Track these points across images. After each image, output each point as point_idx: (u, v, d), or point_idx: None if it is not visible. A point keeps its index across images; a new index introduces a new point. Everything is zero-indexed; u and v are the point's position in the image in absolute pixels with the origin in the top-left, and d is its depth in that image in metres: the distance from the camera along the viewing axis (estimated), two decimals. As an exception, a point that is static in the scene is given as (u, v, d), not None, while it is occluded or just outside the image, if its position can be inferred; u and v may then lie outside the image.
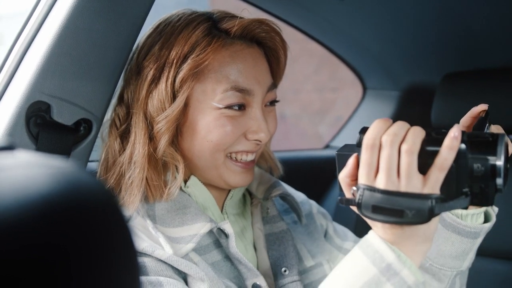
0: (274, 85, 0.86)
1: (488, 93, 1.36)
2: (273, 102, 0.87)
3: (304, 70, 4.87)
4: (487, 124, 0.72)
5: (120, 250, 0.31)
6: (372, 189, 0.59)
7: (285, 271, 0.85)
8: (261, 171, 0.96)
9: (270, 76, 0.86)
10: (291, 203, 0.92)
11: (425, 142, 0.59)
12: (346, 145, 0.69)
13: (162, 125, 0.78)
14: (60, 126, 0.85)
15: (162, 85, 0.78)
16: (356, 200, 0.60)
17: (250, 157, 0.84)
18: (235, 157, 0.83)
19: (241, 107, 0.80)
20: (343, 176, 0.64)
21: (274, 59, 0.88)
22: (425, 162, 0.59)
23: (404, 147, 0.58)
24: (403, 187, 0.58)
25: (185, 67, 0.77)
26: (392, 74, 1.78)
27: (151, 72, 0.79)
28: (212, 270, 0.77)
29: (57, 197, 0.29)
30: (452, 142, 0.58)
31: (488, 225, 0.76)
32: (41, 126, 0.84)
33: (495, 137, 0.60)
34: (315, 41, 1.58)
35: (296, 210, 0.93)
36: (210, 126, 0.79)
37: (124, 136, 0.83)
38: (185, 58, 0.78)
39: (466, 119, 0.77)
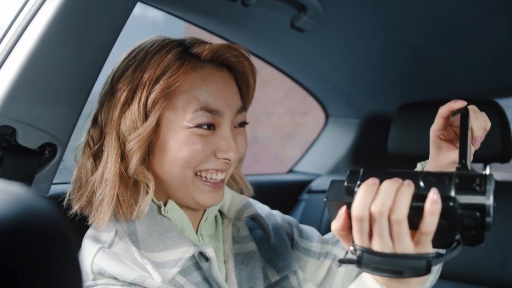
0: (243, 108, 0.88)
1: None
2: (242, 124, 0.89)
3: (276, 94, 4.96)
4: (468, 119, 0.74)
5: (67, 277, 0.34)
6: (370, 251, 0.61)
7: None
8: (233, 192, 0.98)
9: (239, 99, 0.88)
10: (261, 223, 0.95)
11: (412, 198, 0.60)
12: (333, 183, 0.68)
13: (134, 144, 0.80)
14: (25, 149, 0.86)
15: (134, 106, 0.80)
16: (356, 260, 0.62)
17: (220, 176, 0.86)
18: (205, 176, 0.84)
19: (211, 126, 0.83)
20: (337, 229, 0.65)
21: (244, 83, 0.90)
22: (413, 218, 0.60)
23: (393, 217, 0.59)
24: (398, 249, 0.60)
25: (157, 88, 0.79)
26: (353, 103, 1.84)
27: (125, 94, 0.81)
28: None
29: (9, 221, 0.33)
30: (432, 208, 0.58)
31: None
32: (6, 149, 0.85)
33: (483, 181, 0.60)
34: (279, 71, 1.64)
35: (265, 230, 0.95)
36: (180, 144, 0.81)
37: (97, 156, 0.84)
38: (157, 80, 0.80)
39: (438, 122, 0.80)
